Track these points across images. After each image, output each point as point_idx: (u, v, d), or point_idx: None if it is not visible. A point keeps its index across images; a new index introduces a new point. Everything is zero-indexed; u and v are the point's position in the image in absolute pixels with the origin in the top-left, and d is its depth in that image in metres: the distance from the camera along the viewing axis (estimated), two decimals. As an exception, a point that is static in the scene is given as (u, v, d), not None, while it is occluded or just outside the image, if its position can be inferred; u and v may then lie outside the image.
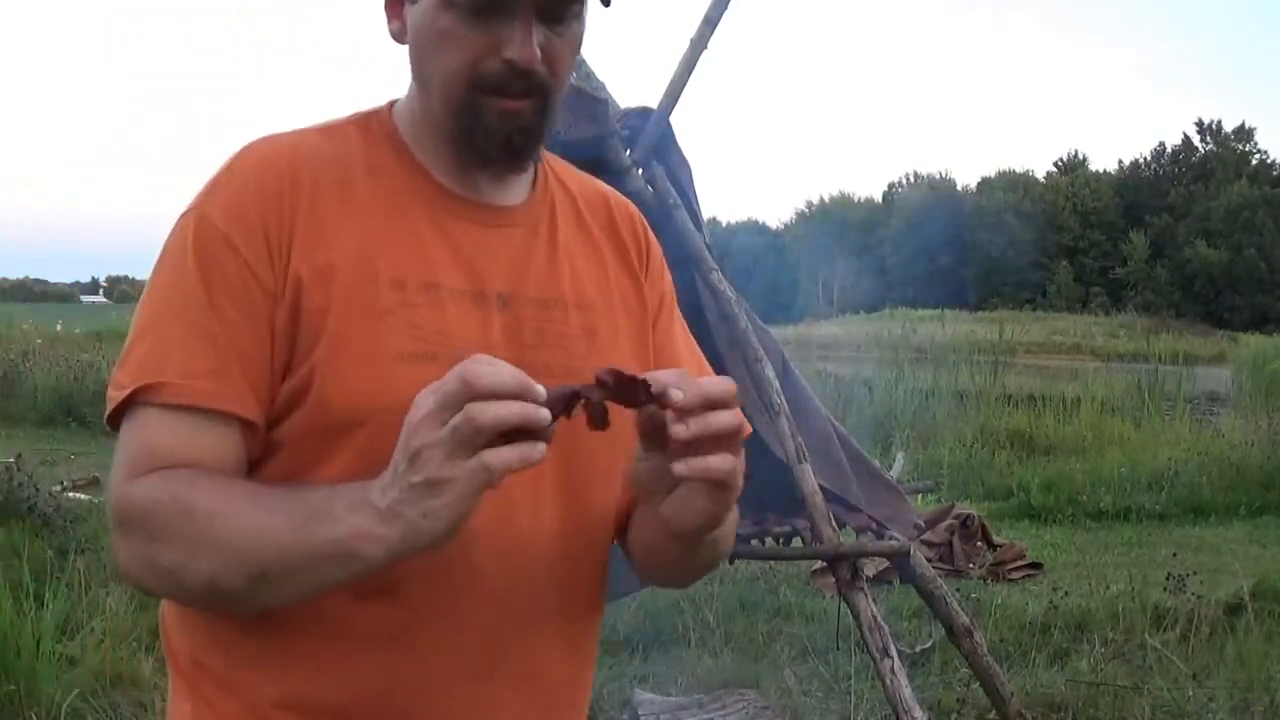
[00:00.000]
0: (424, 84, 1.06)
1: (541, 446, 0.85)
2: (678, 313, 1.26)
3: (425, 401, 0.86)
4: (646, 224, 1.25)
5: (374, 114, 1.13)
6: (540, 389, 0.85)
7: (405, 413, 0.89)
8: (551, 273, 1.11)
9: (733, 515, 1.03)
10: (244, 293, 0.99)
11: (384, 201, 1.06)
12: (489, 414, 0.83)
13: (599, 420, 0.90)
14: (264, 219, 1.00)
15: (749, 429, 0.93)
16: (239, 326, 0.99)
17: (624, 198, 1.26)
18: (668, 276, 1.26)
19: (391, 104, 1.14)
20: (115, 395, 0.99)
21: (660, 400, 0.89)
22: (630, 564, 1.17)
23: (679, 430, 0.88)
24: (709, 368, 1.25)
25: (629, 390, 0.89)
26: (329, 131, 1.09)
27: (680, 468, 0.89)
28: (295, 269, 1.00)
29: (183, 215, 1.03)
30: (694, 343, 1.27)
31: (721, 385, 0.91)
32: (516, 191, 1.13)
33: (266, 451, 1.01)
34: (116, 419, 1.00)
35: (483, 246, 1.08)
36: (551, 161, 1.20)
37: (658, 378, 0.90)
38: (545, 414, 0.85)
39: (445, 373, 0.89)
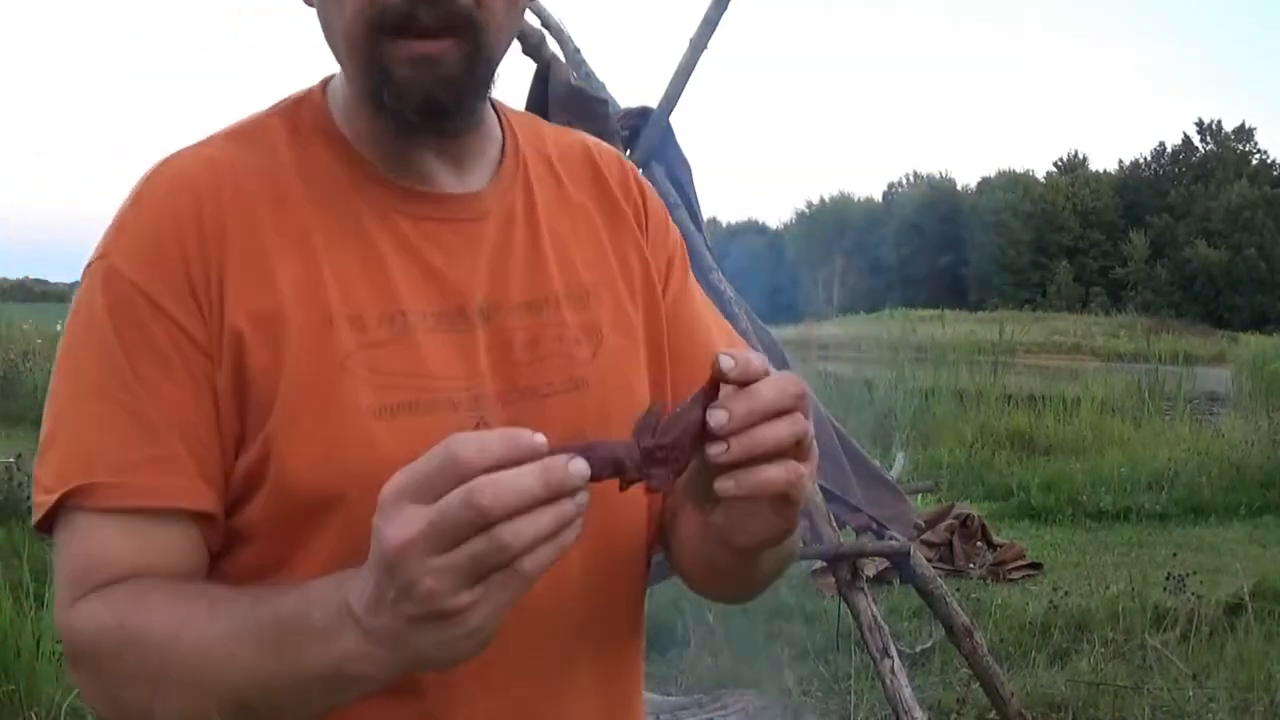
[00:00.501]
0: (332, 44, 0.87)
1: (579, 524, 0.67)
2: (692, 276, 1.06)
3: (409, 519, 0.65)
4: (639, 174, 1.05)
5: (304, 99, 0.93)
6: (578, 470, 0.66)
7: (385, 475, 0.72)
8: (537, 265, 0.93)
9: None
10: (175, 355, 0.82)
11: (325, 215, 0.87)
12: (525, 537, 0.65)
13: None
14: (185, 261, 0.82)
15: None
16: (174, 399, 0.81)
17: (609, 146, 1.05)
18: (674, 231, 1.06)
19: (326, 81, 0.93)
20: (41, 501, 0.82)
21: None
22: (679, 576, 1.00)
23: (716, 452, 0.71)
24: (737, 337, 1.07)
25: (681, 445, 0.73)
26: (249, 134, 0.90)
27: (726, 485, 0.72)
28: (231, 321, 0.82)
29: (88, 265, 0.85)
30: (715, 309, 1.08)
31: (779, 390, 0.72)
32: (479, 172, 0.93)
33: (230, 542, 0.85)
34: (48, 524, 0.83)
35: (452, 252, 0.89)
36: (517, 121, 1.00)
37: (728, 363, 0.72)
38: (584, 500, 0.67)
39: (428, 424, 0.79)
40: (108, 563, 0.81)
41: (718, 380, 0.73)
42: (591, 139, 1.05)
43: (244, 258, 0.84)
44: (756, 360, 0.74)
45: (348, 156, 0.90)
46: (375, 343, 0.84)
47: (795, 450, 0.74)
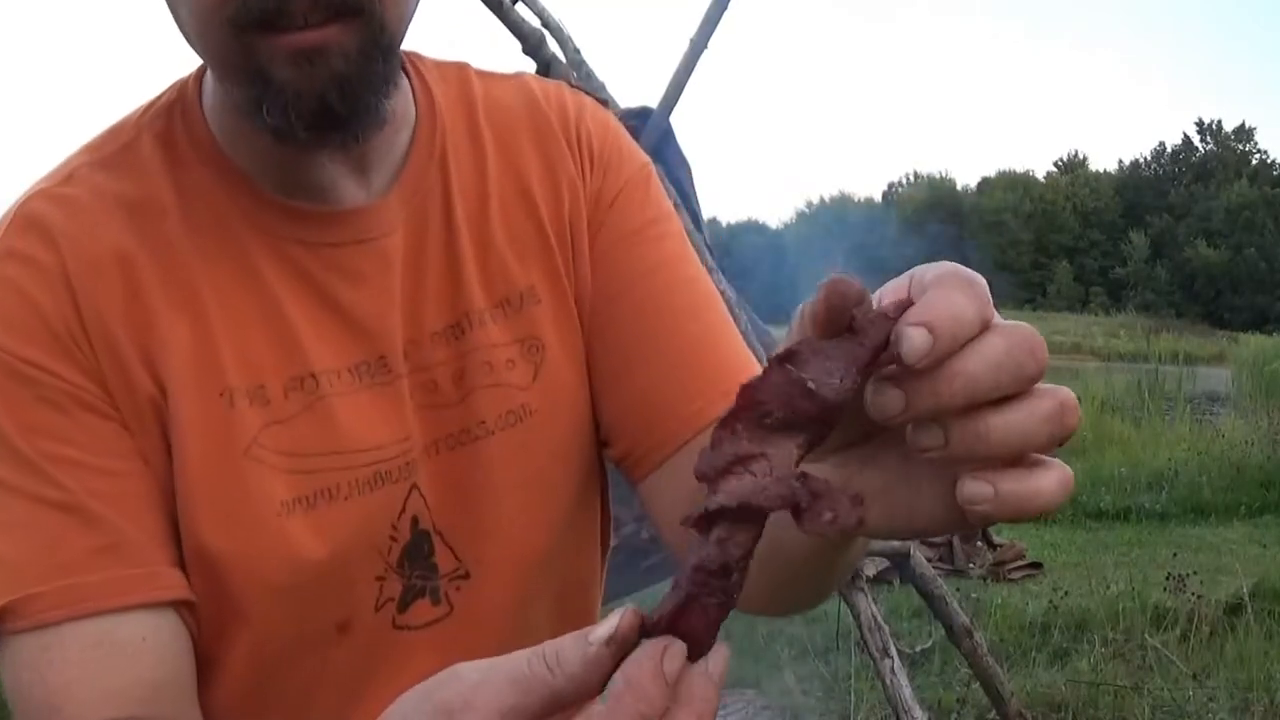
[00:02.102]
0: (190, 44, 0.70)
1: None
2: (657, 204, 0.84)
3: None
4: (587, 106, 0.86)
5: (176, 103, 0.76)
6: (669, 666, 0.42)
7: (305, 582, 0.66)
8: (455, 277, 0.77)
9: None
10: (92, 419, 0.68)
11: (212, 261, 0.72)
12: None
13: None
14: (63, 318, 0.69)
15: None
16: (105, 470, 0.68)
17: (557, 84, 0.87)
18: (633, 162, 0.85)
19: (201, 73, 0.76)
20: None
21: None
22: None
23: (928, 443, 0.45)
24: (717, 302, 0.83)
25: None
26: (118, 160, 0.74)
27: (978, 491, 0.45)
28: (139, 382, 0.69)
29: None
30: (689, 264, 0.83)
31: (1003, 358, 0.44)
32: (386, 170, 0.77)
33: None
34: None
35: (362, 282, 0.74)
36: (439, 80, 0.82)
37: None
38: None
39: (353, 512, 0.70)
40: (71, 696, 0.65)
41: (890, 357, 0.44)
42: (535, 78, 0.88)
43: (126, 319, 0.70)
44: (965, 307, 0.44)
45: (231, 178, 0.74)
46: (283, 418, 0.71)
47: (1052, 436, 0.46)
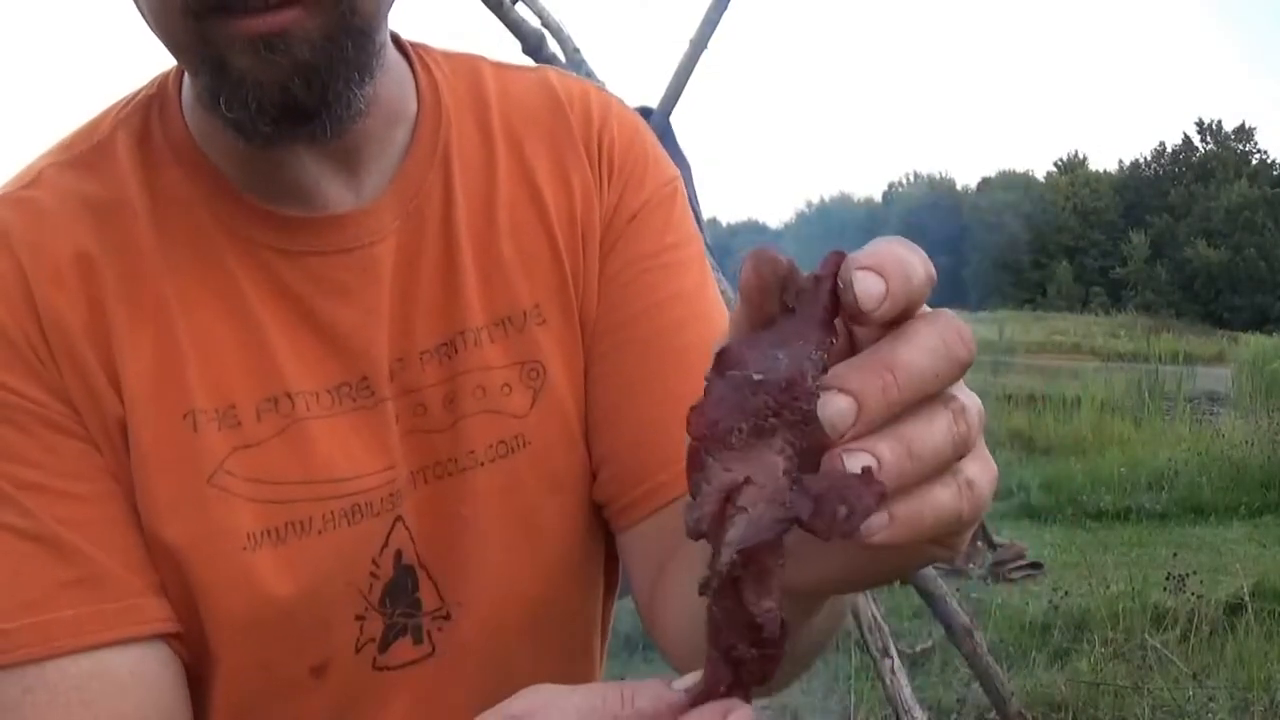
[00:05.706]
0: (155, 33, 0.64)
1: None
2: (679, 225, 0.76)
3: None
4: (613, 109, 0.79)
5: (155, 99, 0.71)
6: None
7: (272, 621, 0.62)
8: (452, 291, 0.70)
9: None
10: (60, 440, 0.63)
11: (182, 269, 0.67)
12: None
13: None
14: (25, 333, 0.63)
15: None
16: (77, 495, 0.63)
17: (583, 83, 0.80)
18: (658, 177, 0.77)
19: (183, 71, 0.70)
20: None
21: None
22: (661, 649, 0.74)
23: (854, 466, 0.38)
24: (707, 325, 0.75)
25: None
26: (89, 159, 0.69)
27: (878, 523, 0.39)
28: (105, 398, 0.64)
29: None
30: (705, 297, 0.76)
31: (934, 351, 0.40)
32: (380, 170, 0.70)
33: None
34: None
35: (346, 296, 0.68)
36: (447, 71, 0.75)
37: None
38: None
39: (326, 545, 0.65)
40: None
41: (841, 317, 0.40)
42: (559, 73, 0.81)
43: (89, 331, 0.65)
44: (908, 254, 0.39)
45: (207, 180, 0.69)
46: (253, 442, 0.66)
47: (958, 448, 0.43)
